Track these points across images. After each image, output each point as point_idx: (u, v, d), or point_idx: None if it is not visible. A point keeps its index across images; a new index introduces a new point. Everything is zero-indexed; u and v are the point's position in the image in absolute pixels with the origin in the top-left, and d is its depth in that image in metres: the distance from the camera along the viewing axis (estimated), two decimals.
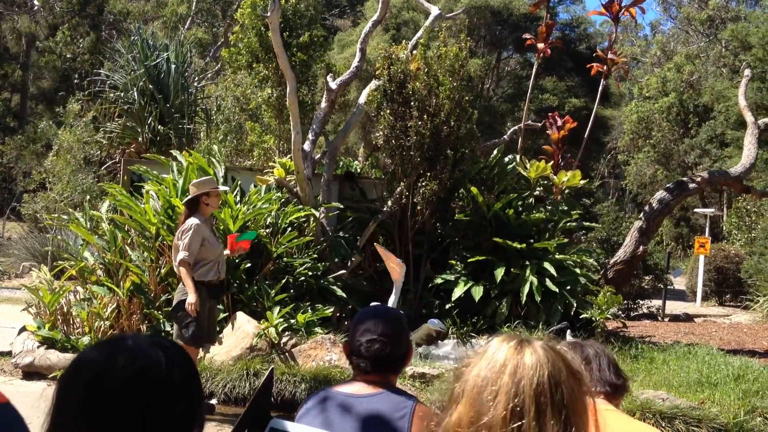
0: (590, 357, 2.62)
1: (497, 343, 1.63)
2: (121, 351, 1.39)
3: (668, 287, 17.14)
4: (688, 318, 15.19)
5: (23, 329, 8.80)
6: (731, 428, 6.67)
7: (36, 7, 35.95)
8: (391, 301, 7.48)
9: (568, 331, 8.07)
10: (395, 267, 7.55)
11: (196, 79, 20.41)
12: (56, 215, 12.24)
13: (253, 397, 2.86)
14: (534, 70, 11.45)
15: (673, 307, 17.38)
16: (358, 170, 11.73)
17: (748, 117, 12.09)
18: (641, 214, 11.57)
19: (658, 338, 11.36)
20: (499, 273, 9.23)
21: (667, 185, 11.91)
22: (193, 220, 6.70)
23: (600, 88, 11.52)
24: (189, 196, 6.92)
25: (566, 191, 10.39)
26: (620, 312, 11.62)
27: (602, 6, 11.01)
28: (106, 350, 1.41)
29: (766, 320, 14.82)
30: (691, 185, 11.32)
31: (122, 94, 17.85)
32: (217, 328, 7.99)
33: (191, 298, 6.58)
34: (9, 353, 8.63)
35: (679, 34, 35.45)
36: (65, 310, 8.84)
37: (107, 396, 1.35)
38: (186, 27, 33.11)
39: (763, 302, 15.41)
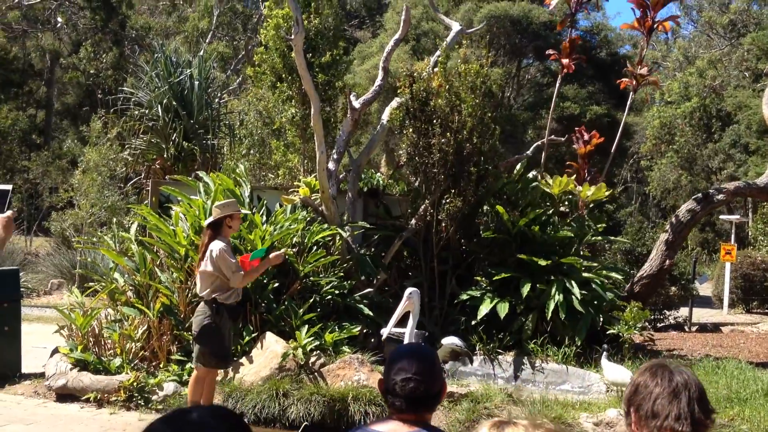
0: (679, 387, 2.32)
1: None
2: (188, 425, 1.49)
3: (694, 294, 17.02)
4: (715, 328, 15.08)
5: (56, 351, 8.94)
6: None
7: (59, 24, 36.43)
8: (409, 326, 7.49)
9: (604, 353, 8.06)
10: (406, 306, 7.44)
11: (219, 94, 20.60)
12: (84, 236, 12.40)
13: None
14: (557, 84, 11.46)
15: (700, 314, 17.25)
16: (381, 183, 11.79)
17: None
18: (667, 226, 11.53)
19: (686, 351, 11.31)
20: (525, 289, 9.25)
21: (694, 197, 11.85)
22: (219, 244, 6.84)
23: (628, 102, 11.49)
24: (212, 218, 7.06)
25: (591, 205, 10.38)
26: (647, 324, 11.57)
27: (636, 20, 10.92)
28: (174, 424, 1.50)
29: None
30: (718, 197, 11.25)
31: (146, 111, 18.04)
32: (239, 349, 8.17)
33: (275, 259, 7.34)
34: (42, 375, 8.77)
35: (700, 38, 35.24)
36: (97, 331, 8.97)
37: None
38: (207, 41, 33.42)
39: None
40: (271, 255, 7.54)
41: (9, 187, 3.15)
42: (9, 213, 3.23)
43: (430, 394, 2.73)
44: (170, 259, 9.17)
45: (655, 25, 10.97)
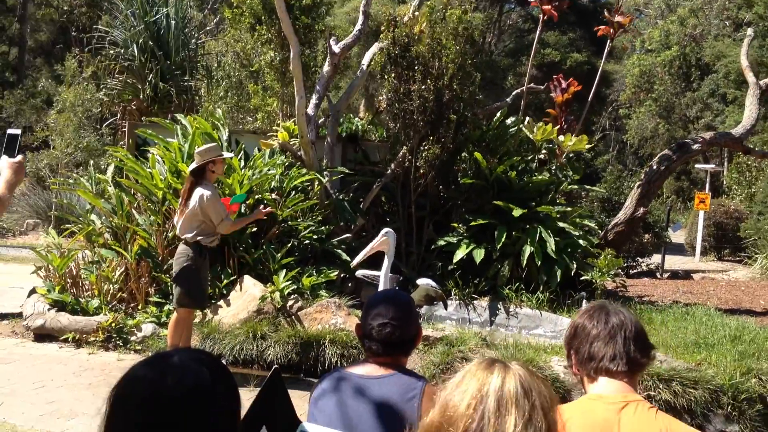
0: (615, 329, 2.38)
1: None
2: (170, 369, 1.54)
3: (667, 242, 17.29)
4: (687, 275, 15.37)
5: (33, 291, 8.96)
6: (727, 390, 6.82)
7: None
8: (384, 268, 7.57)
9: (584, 301, 8.21)
10: (381, 244, 7.51)
11: (196, 34, 20.27)
12: (60, 177, 12.32)
13: (255, 400, 2.94)
14: (537, 32, 11.40)
15: (672, 262, 17.57)
16: (360, 128, 11.76)
17: (750, 77, 12.06)
18: (642, 175, 11.64)
19: (657, 298, 11.54)
20: (501, 237, 9.35)
21: (670, 146, 11.95)
22: (205, 191, 6.82)
23: (606, 51, 11.49)
24: (194, 165, 7.02)
25: (571, 154, 10.45)
26: (620, 270, 11.78)
27: None
28: (156, 368, 1.55)
29: (764, 279, 15.00)
30: (694, 147, 11.36)
31: (122, 51, 17.75)
32: (218, 292, 8.26)
33: (260, 214, 7.48)
34: (20, 315, 8.81)
35: None
36: (74, 273, 8.99)
37: (160, 412, 1.49)
38: None
39: (761, 260, 15.58)
40: (261, 209, 7.64)
41: (18, 131, 3.10)
42: (20, 158, 3.20)
43: (406, 339, 2.83)
44: (147, 202, 9.15)
45: None
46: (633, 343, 2.36)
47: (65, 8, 32.43)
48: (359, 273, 8.09)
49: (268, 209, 7.86)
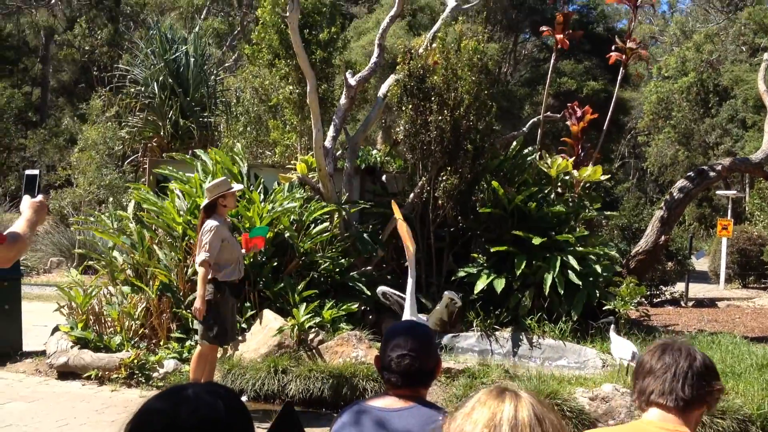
0: (667, 365, 2.46)
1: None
2: (184, 401, 1.53)
3: (691, 270, 17.11)
4: (711, 303, 15.18)
5: (56, 329, 9.00)
6: (755, 419, 6.71)
7: (53, 1, 36.17)
8: (409, 285, 7.58)
9: (612, 326, 8.11)
10: (409, 246, 7.69)
11: (215, 71, 20.54)
12: (82, 215, 12.44)
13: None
14: (552, 60, 11.43)
15: (696, 290, 17.37)
16: (378, 160, 11.81)
17: None
18: (662, 203, 11.57)
19: (682, 326, 11.40)
20: (521, 265, 9.30)
21: (688, 174, 11.89)
22: (212, 222, 6.88)
23: (619, 77, 11.50)
24: (206, 201, 7.10)
25: (587, 185, 10.41)
26: (643, 299, 11.66)
27: None
28: (170, 401, 1.55)
29: None
30: (712, 173, 11.29)
31: (142, 89, 18.02)
32: (238, 327, 8.21)
33: (198, 303, 6.90)
34: (43, 353, 8.85)
35: (697, 12, 35.06)
36: (97, 309, 9.04)
37: None
38: (202, 17, 33.23)
39: None
40: (200, 301, 6.91)
41: (36, 171, 3.14)
42: (41, 197, 3.24)
43: (425, 370, 2.79)
44: (168, 237, 9.21)
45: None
46: (683, 380, 2.44)
47: (87, 48, 33.01)
48: (380, 290, 8.12)
49: (202, 308, 7.05)
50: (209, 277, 6.93)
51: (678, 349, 2.52)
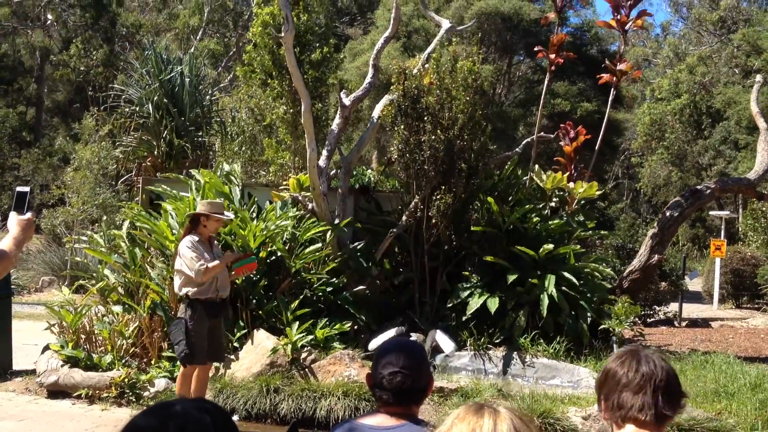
0: (644, 379, 2.35)
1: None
2: (171, 417, 1.52)
3: (684, 290, 17.12)
4: (705, 323, 15.18)
5: (47, 348, 8.94)
6: None
7: (49, 22, 36.31)
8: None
9: (615, 345, 8.13)
10: None
11: (210, 91, 20.58)
12: (75, 234, 12.41)
13: None
14: (546, 81, 11.49)
15: (690, 310, 17.36)
16: (372, 180, 11.82)
17: (761, 123, 12.08)
18: (656, 223, 11.59)
19: (675, 346, 11.39)
20: (511, 278, 9.28)
21: (682, 193, 11.93)
22: (186, 240, 6.82)
23: (610, 98, 11.57)
24: (193, 212, 7.10)
25: (582, 202, 10.43)
26: (637, 319, 11.65)
27: (612, 19, 11.07)
28: (157, 416, 1.53)
29: None
30: (706, 193, 11.32)
31: (137, 108, 18.02)
32: (226, 347, 8.11)
33: (225, 260, 6.96)
34: (33, 372, 8.78)
35: (690, 34, 35.36)
36: (87, 328, 8.99)
37: None
38: (198, 38, 33.38)
39: None
40: (227, 255, 7.20)
41: (27, 189, 3.10)
42: (29, 215, 3.21)
43: (417, 388, 2.77)
44: (160, 256, 9.18)
45: (629, 24, 11.06)
46: (662, 394, 2.35)
47: (82, 69, 33.07)
48: (372, 345, 8.16)
49: (235, 255, 7.44)
50: (183, 292, 6.85)
51: (651, 358, 2.42)
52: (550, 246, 9.47)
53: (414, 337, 8.98)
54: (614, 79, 11.15)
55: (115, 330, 8.80)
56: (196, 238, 6.85)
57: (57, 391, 8.27)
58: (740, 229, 25.23)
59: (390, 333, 7.55)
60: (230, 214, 7.62)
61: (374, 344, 7.93)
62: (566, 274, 9.37)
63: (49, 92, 39.70)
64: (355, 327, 9.38)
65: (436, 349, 9.06)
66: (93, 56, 33.05)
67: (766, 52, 21.36)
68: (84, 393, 8.07)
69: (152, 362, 8.61)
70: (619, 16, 10.94)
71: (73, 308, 9.00)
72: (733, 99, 25.26)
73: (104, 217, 13.68)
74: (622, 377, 2.40)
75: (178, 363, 8.22)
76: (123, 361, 8.57)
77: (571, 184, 10.32)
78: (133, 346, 8.80)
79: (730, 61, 29.37)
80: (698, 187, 11.91)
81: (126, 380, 8.08)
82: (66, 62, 34.44)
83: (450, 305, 9.83)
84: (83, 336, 8.94)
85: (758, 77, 13.95)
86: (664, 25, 40.05)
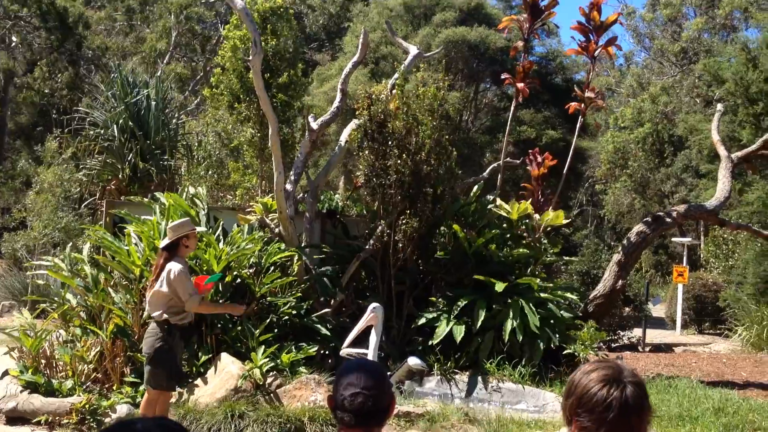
0: (613, 400, 2.30)
1: None
2: None
3: (647, 315, 17.31)
4: (668, 348, 15.34)
5: (5, 373, 8.74)
6: None
7: (14, 44, 35.93)
8: (373, 342, 7.51)
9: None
10: (369, 320, 7.58)
11: (177, 114, 20.48)
12: (37, 259, 12.21)
13: None
14: (512, 109, 11.64)
15: (653, 335, 17.53)
16: (339, 204, 11.82)
17: (722, 151, 12.32)
18: (619, 248, 11.72)
19: (640, 370, 11.46)
20: (481, 313, 9.32)
21: (645, 219, 12.09)
22: (177, 265, 6.79)
23: (578, 125, 11.73)
24: (167, 240, 7.00)
25: (548, 229, 10.51)
26: (602, 344, 11.73)
27: (579, 46, 11.27)
28: None
29: (744, 351, 14.98)
30: (668, 219, 11.50)
31: (102, 131, 17.85)
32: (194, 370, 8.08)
33: (233, 310, 7.77)
34: None
35: (652, 64, 36.02)
36: (48, 353, 8.81)
37: None
38: (165, 62, 33.25)
39: (741, 332, 15.59)
40: (237, 306, 7.94)
41: None
42: None
43: (379, 408, 2.73)
44: (124, 280, 9.06)
45: (598, 50, 11.25)
46: (635, 414, 2.32)
47: (46, 91, 32.74)
48: (344, 352, 8.00)
49: (244, 308, 7.95)
50: (165, 317, 6.81)
51: (620, 380, 2.34)
52: (512, 278, 9.56)
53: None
54: (582, 106, 11.32)
55: (77, 355, 8.64)
56: (181, 265, 6.82)
57: (16, 418, 8.07)
58: (702, 256, 25.61)
59: (370, 349, 7.50)
60: (201, 228, 7.73)
61: (347, 343, 7.81)
62: (530, 304, 9.41)
63: (12, 115, 39.17)
64: (322, 351, 9.32)
65: (411, 374, 9.01)
66: (58, 79, 32.76)
67: (728, 81, 21.83)
68: (44, 419, 7.89)
69: (114, 388, 8.46)
70: (587, 44, 11.12)
71: (33, 332, 8.82)
72: (694, 127, 25.74)
73: (69, 243, 13.47)
74: (590, 397, 2.36)
75: (142, 388, 8.11)
76: (84, 386, 8.41)
77: (537, 216, 10.38)
78: (95, 371, 8.64)
79: (692, 90, 29.96)
80: (661, 213, 12.09)
81: (87, 406, 7.92)
82: (30, 85, 34.10)
83: (416, 330, 9.82)
84: (44, 361, 8.76)
85: (719, 106, 14.25)
86: (627, 55, 40.74)
